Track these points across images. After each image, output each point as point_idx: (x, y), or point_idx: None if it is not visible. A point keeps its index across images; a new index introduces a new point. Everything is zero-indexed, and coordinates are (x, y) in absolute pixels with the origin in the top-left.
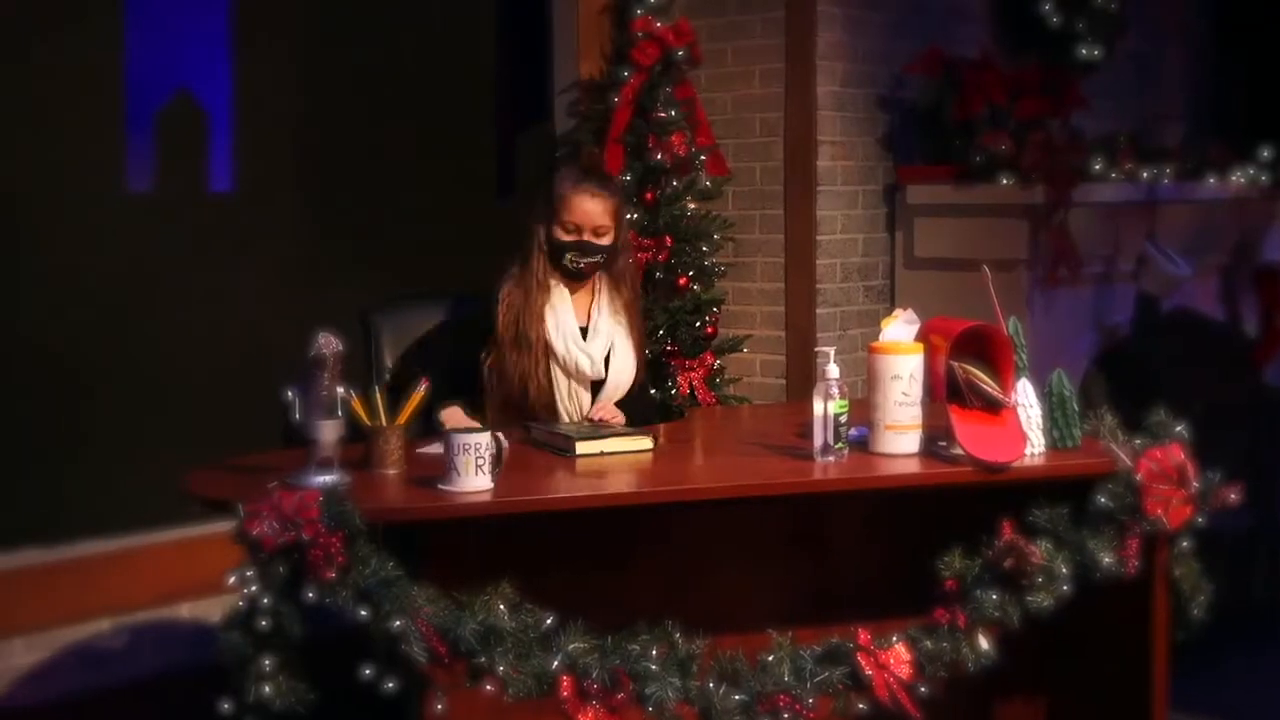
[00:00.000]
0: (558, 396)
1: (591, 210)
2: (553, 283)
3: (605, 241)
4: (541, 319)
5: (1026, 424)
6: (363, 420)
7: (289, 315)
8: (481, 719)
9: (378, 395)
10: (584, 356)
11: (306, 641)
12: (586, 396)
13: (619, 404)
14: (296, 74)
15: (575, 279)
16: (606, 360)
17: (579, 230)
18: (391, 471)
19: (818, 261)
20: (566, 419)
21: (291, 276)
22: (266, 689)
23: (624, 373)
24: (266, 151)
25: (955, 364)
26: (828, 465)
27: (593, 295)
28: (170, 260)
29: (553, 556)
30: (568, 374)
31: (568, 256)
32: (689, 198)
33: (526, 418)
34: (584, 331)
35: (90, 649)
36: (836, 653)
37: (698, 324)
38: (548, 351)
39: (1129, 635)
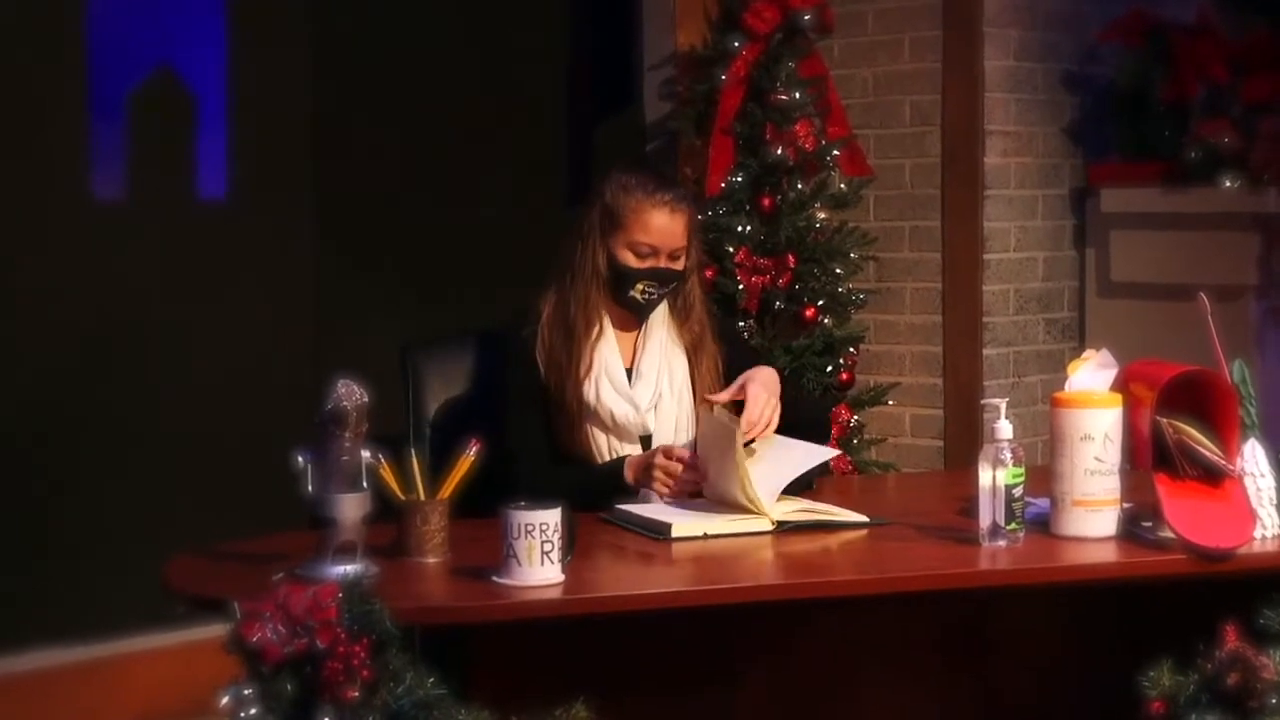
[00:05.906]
0: (596, 457)
1: (672, 230)
2: (603, 314)
3: (680, 266)
4: (587, 361)
5: (1256, 499)
6: (395, 493)
7: (301, 356)
8: None
9: (415, 461)
10: (624, 404)
11: None
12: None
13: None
14: (309, 49)
15: (639, 313)
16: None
17: (655, 254)
18: (432, 560)
19: (985, 288)
20: None
21: (303, 306)
22: None
23: (675, 426)
24: (269, 147)
25: (1164, 421)
26: (997, 552)
27: (640, 330)
28: (148, 286)
29: (640, 669)
30: (604, 428)
31: (639, 286)
32: (818, 205)
33: None
34: (627, 374)
35: None
36: None
37: (829, 369)
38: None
39: None
